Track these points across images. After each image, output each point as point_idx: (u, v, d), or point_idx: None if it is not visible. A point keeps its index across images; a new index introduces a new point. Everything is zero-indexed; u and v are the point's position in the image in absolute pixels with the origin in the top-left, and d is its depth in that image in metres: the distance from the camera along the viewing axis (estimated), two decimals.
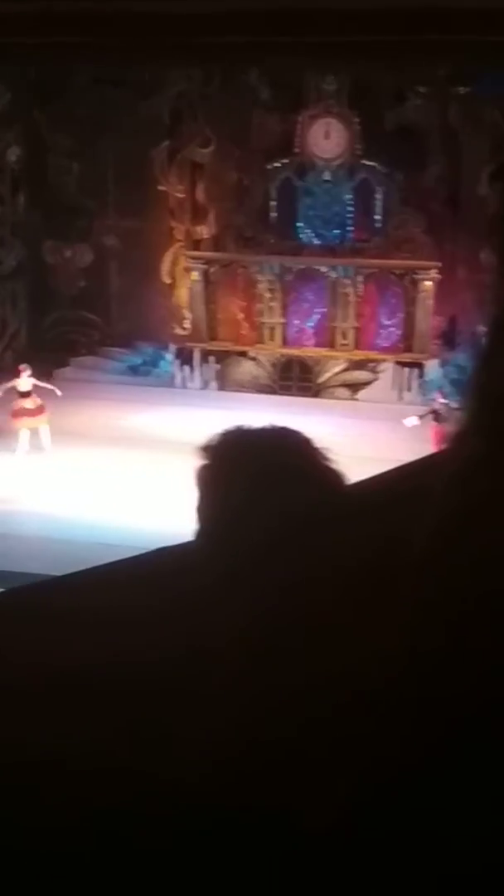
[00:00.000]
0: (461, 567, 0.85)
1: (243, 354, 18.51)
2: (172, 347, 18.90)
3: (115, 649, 1.20)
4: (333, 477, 1.39)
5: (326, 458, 1.41)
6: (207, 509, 1.37)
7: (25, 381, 15.24)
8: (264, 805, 1.05)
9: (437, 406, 14.33)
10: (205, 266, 18.76)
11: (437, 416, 14.09)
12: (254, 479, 1.34)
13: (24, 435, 14.78)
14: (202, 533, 1.35)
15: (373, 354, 18.27)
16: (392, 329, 18.41)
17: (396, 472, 1.41)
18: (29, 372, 15.39)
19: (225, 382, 18.43)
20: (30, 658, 1.28)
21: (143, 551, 1.52)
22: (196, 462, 1.39)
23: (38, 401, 15.21)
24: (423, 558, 0.87)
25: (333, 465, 1.40)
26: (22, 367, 15.51)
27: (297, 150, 18.36)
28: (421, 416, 14.39)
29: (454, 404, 13.66)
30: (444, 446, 1.22)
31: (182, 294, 19.25)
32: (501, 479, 0.85)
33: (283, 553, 1.22)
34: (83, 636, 1.24)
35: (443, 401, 14.40)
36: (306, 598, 1.13)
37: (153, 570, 1.37)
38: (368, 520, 1.30)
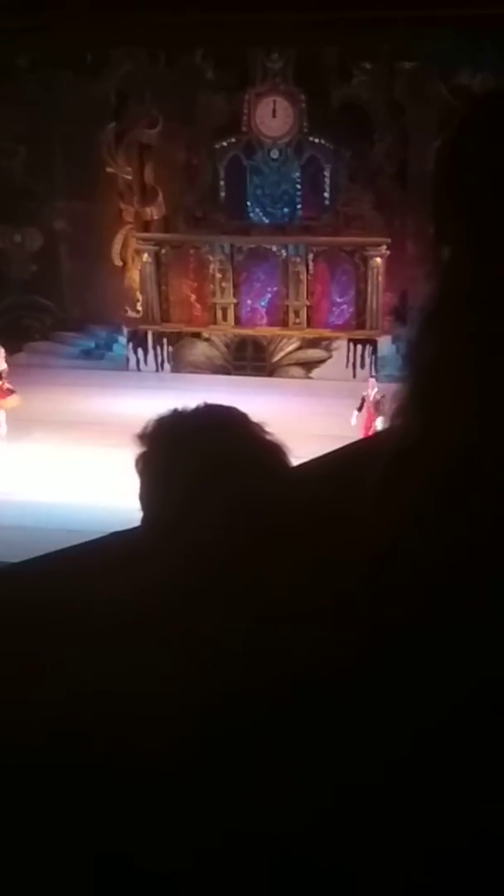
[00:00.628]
0: (402, 540, 0.89)
1: (197, 336, 18.50)
2: (126, 330, 18.85)
3: (67, 637, 1.22)
4: (272, 450, 1.41)
5: (264, 433, 1.42)
6: (150, 496, 1.38)
7: None
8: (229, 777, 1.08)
9: (369, 393, 14.33)
10: (155, 247, 18.70)
11: (374, 403, 14.05)
12: (191, 461, 1.35)
13: None
14: (148, 519, 1.37)
15: (326, 332, 18.31)
16: (344, 306, 18.45)
17: (340, 450, 1.44)
18: (2, 353, 15.42)
19: (179, 364, 18.42)
20: None
21: (100, 535, 1.53)
22: (134, 450, 1.40)
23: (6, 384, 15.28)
24: (364, 532, 0.91)
25: (271, 438, 1.42)
26: None
27: (244, 128, 18.31)
28: (359, 409, 14.40)
29: (387, 390, 13.62)
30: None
31: (134, 276, 19.19)
32: (437, 453, 0.88)
33: (228, 532, 1.24)
34: (35, 624, 1.26)
35: (375, 389, 14.31)
36: (251, 575, 1.16)
37: (105, 554, 1.40)
38: (310, 495, 1.33)
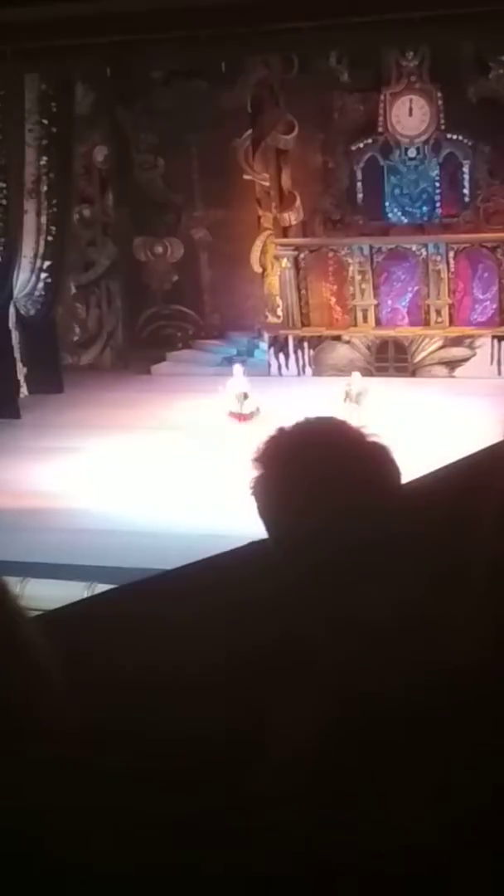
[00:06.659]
0: None
1: (337, 338, 18.47)
2: (266, 336, 18.94)
3: (211, 642, 1.24)
4: (376, 453, 1.43)
5: (364, 437, 1.44)
6: (271, 516, 1.40)
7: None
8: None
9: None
10: (294, 252, 18.76)
11: None
12: (305, 481, 1.39)
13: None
14: (273, 534, 1.39)
15: (469, 330, 18.08)
16: (487, 303, 18.19)
17: (463, 460, 1.42)
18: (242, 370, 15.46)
19: (320, 367, 18.41)
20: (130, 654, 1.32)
21: (246, 542, 1.55)
22: (251, 473, 1.44)
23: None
24: (490, 543, 0.88)
25: (373, 441, 1.44)
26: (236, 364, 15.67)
27: (380, 129, 18.23)
28: None
29: None
30: None
31: (273, 282, 19.27)
32: None
33: (349, 547, 1.25)
34: (184, 629, 1.29)
35: None
36: (372, 584, 1.15)
37: (245, 563, 1.42)
38: (429, 504, 1.31)
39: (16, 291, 17.78)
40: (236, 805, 1.11)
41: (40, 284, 18.04)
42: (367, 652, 1.09)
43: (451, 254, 17.96)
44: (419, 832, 0.96)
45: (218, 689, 1.23)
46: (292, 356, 18.59)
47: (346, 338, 18.41)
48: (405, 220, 18.44)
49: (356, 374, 15.23)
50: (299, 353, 18.57)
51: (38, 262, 17.87)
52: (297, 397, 14.31)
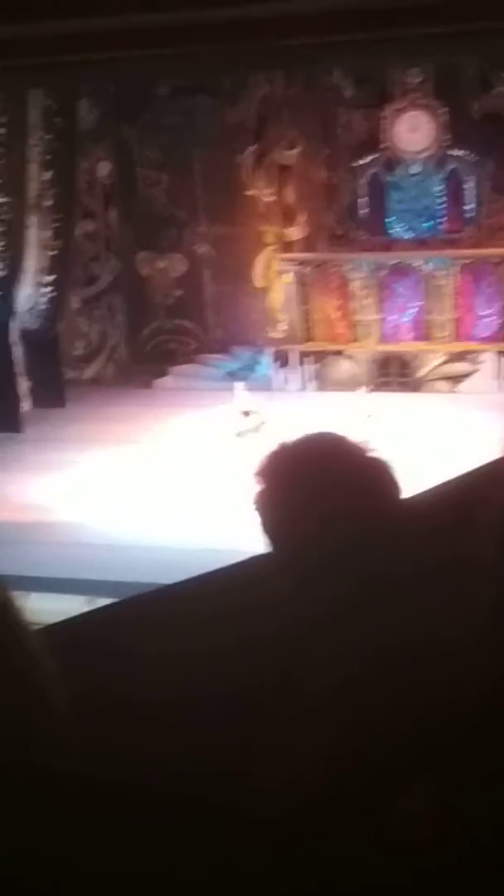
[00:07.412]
0: None
1: (340, 353, 18.47)
2: (269, 351, 18.94)
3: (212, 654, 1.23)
4: (375, 469, 1.43)
5: (364, 451, 1.44)
6: (273, 531, 1.40)
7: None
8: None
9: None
10: (297, 267, 18.78)
11: None
12: (306, 495, 1.39)
13: None
14: (274, 549, 1.39)
15: (472, 345, 18.08)
16: (491, 318, 18.19)
17: (460, 478, 1.42)
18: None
19: (323, 382, 18.41)
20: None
21: (247, 556, 1.54)
22: (253, 488, 1.44)
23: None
24: (489, 571, 0.86)
25: (373, 457, 1.45)
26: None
27: (383, 145, 18.26)
28: None
29: None
30: None
31: (276, 297, 19.28)
32: None
33: (348, 562, 1.24)
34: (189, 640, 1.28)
35: None
36: (369, 603, 1.14)
37: (247, 578, 1.41)
38: (426, 526, 1.31)
39: (18, 306, 17.80)
40: (238, 826, 1.09)
41: (43, 299, 18.05)
42: (369, 663, 1.07)
43: (455, 269, 17.97)
44: (427, 854, 0.94)
45: (218, 704, 1.21)
46: (295, 371, 18.59)
47: (348, 353, 18.41)
48: (408, 236, 18.46)
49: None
50: (302, 367, 18.57)
51: (41, 276, 17.89)
52: (299, 412, 14.31)
